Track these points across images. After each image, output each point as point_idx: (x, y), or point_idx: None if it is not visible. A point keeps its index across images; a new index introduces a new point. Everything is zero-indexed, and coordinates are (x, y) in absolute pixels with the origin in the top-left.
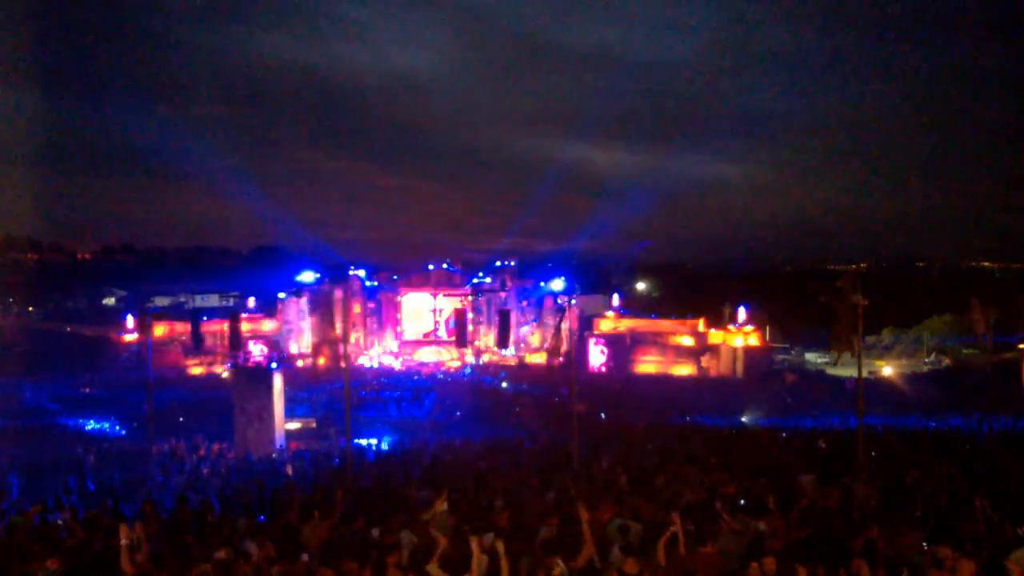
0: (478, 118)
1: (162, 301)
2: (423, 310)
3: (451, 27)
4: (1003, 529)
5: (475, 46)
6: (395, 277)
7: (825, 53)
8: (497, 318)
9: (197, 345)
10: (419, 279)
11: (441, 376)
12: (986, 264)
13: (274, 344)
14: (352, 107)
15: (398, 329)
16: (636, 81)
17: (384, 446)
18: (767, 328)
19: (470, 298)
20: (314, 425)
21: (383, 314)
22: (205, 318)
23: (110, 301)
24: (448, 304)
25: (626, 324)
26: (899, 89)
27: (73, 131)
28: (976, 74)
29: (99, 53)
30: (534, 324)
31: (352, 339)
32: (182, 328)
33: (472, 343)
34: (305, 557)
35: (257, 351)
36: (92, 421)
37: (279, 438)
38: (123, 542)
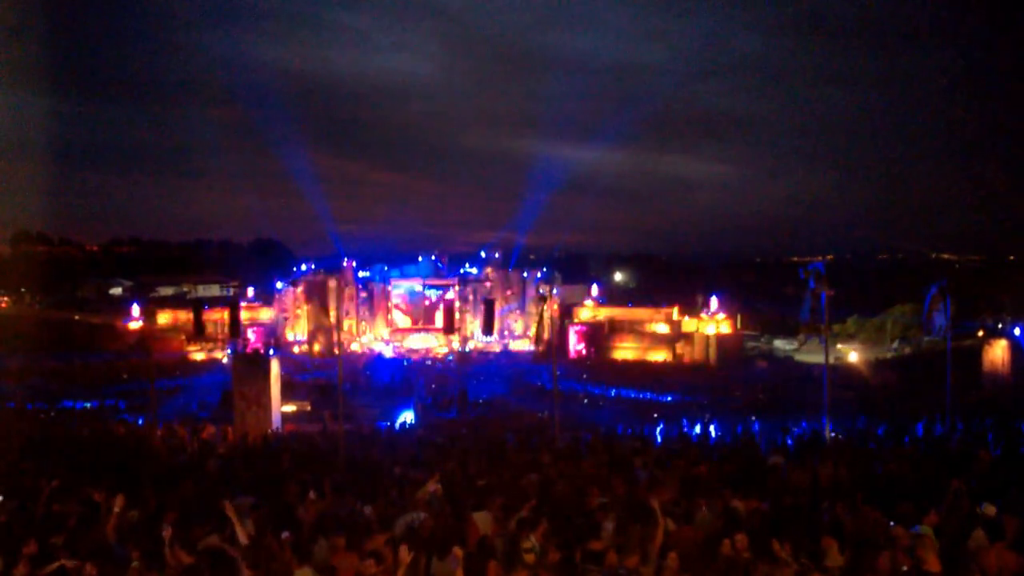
0: (467, 119)
1: (166, 291)
2: (412, 299)
3: (440, 35)
4: (967, 507)
5: (462, 53)
6: (386, 268)
7: (791, 59)
8: (482, 307)
9: (199, 332)
10: (409, 270)
11: (430, 362)
12: (946, 256)
13: (271, 331)
14: (348, 109)
15: (389, 317)
16: (612, 85)
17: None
18: (738, 316)
19: (457, 288)
20: (309, 408)
21: (374, 303)
22: (206, 307)
23: (117, 291)
24: (436, 293)
25: (604, 312)
26: (863, 92)
27: (82, 131)
28: (938, 78)
29: (109, 57)
30: (517, 312)
31: (345, 326)
32: (185, 316)
33: (459, 330)
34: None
35: (254, 337)
36: (96, 403)
37: (276, 420)
38: (115, 509)
